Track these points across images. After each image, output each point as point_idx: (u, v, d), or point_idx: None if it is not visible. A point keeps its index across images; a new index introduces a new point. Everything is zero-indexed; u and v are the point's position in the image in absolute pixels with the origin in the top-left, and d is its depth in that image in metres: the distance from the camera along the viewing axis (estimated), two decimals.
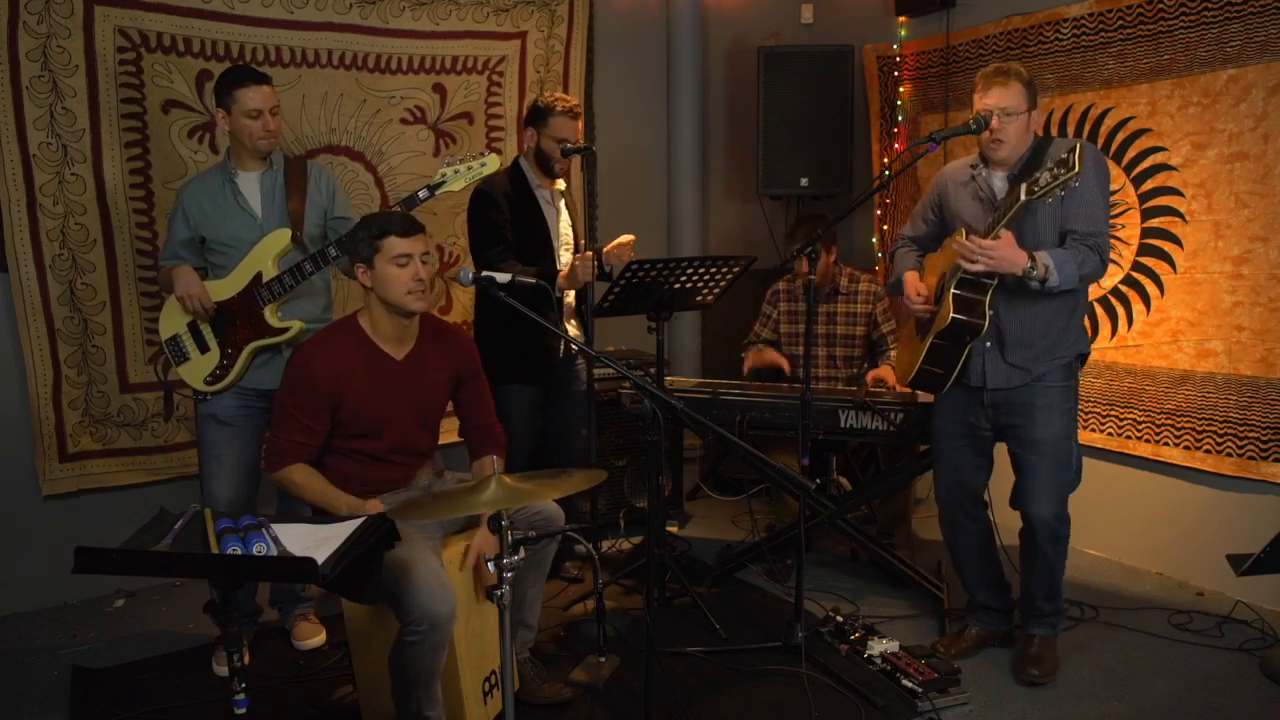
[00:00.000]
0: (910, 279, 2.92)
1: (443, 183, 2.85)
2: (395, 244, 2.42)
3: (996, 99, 2.63)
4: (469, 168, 2.85)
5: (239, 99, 2.80)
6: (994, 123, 2.63)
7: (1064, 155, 2.38)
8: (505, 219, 3.19)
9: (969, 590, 3.07)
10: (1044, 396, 2.73)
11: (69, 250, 3.36)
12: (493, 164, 2.89)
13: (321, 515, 2.50)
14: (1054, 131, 3.81)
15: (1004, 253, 2.52)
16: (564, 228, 3.35)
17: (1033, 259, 2.52)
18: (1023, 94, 2.63)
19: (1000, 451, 2.92)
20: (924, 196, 3.01)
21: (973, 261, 2.55)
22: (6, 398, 3.35)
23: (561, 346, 3.26)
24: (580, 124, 3.22)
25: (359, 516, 2.01)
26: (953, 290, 2.66)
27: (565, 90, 4.32)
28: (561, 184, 3.34)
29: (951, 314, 2.65)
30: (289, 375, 2.48)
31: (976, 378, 2.78)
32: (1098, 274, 2.66)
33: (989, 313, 2.64)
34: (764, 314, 3.98)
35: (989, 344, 2.73)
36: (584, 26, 4.35)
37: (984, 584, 3.03)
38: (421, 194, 2.83)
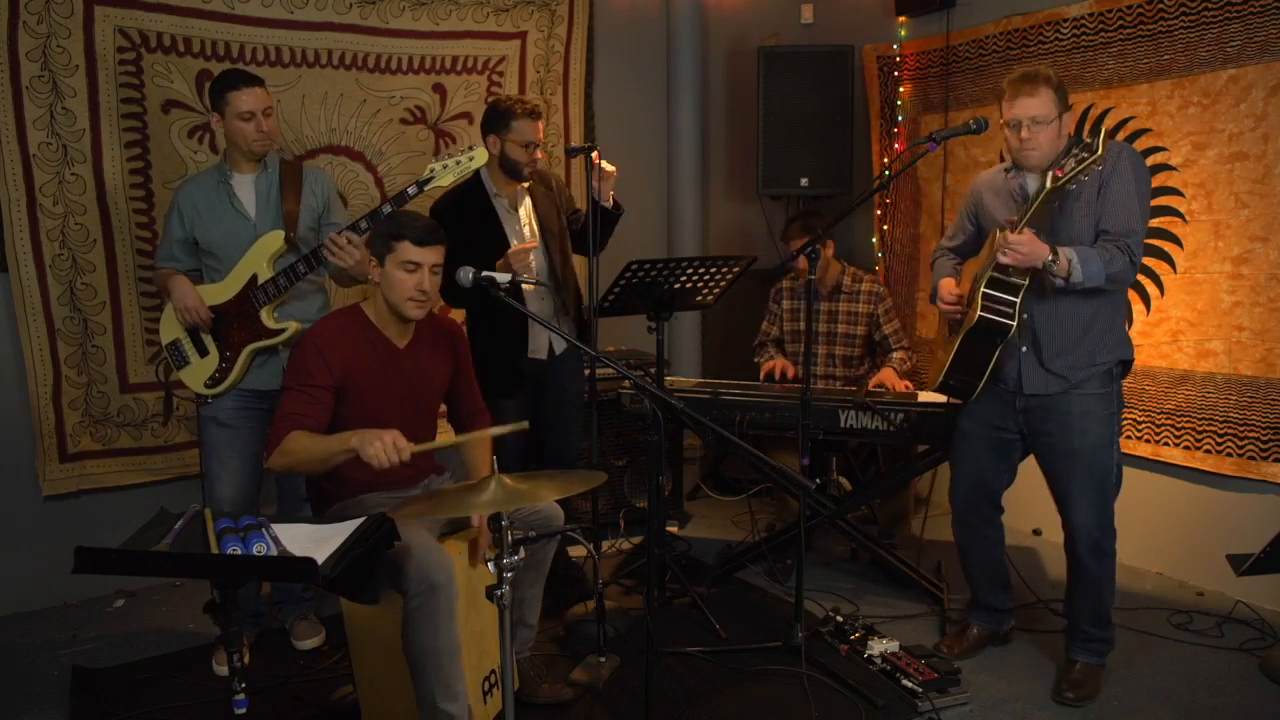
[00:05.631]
0: (946, 284, 2.89)
1: (431, 178, 2.84)
2: (407, 250, 2.42)
3: (1024, 109, 2.58)
4: (457, 162, 2.84)
5: (231, 101, 2.81)
6: (1024, 133, 2.59)
7: (1088, 140, 2.38)
8: (451, 232, 3.14)
9: (973, 589, 3.07)
10: (1080, 404, 2.66)
11: (69, 250, 3.36)
12: (481, 157, 2.86)
13: (321, 515, 2.51)
14: None
15: (1029, 246, 2.49)
16: (527, 232, 3.23)
17: (1055, 252, 2.49)
18: (1053, 100, 2.58)
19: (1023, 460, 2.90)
20: (962, 206, 2.98)
21: (1003, 253, 2.52)
22: (6, 398, 3.35)
23: (546, 347, 3.24)
24: (540, 124, 3.11)
25: (363, 516, 2.00)
26: (983, 290, 2.63)
27: (565, 90, 4.32)
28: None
29: (979, 312, 2.61)
30: (295, 357, 2.46)
31: (1012, 383, 2.73)
32: (1127, 275, 2.59)
33: (1020, 314, 2.60)
34: (770, 311, 3.98)
35: (1025, 349, 2.68)
36: (584, 26, 4.35)
37: (990, 585, 3.02)
38: (410, 190, 2.83)
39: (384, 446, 2.15)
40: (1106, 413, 2.68)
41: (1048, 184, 2.47)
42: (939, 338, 3.13)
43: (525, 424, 2.26)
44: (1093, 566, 2.72)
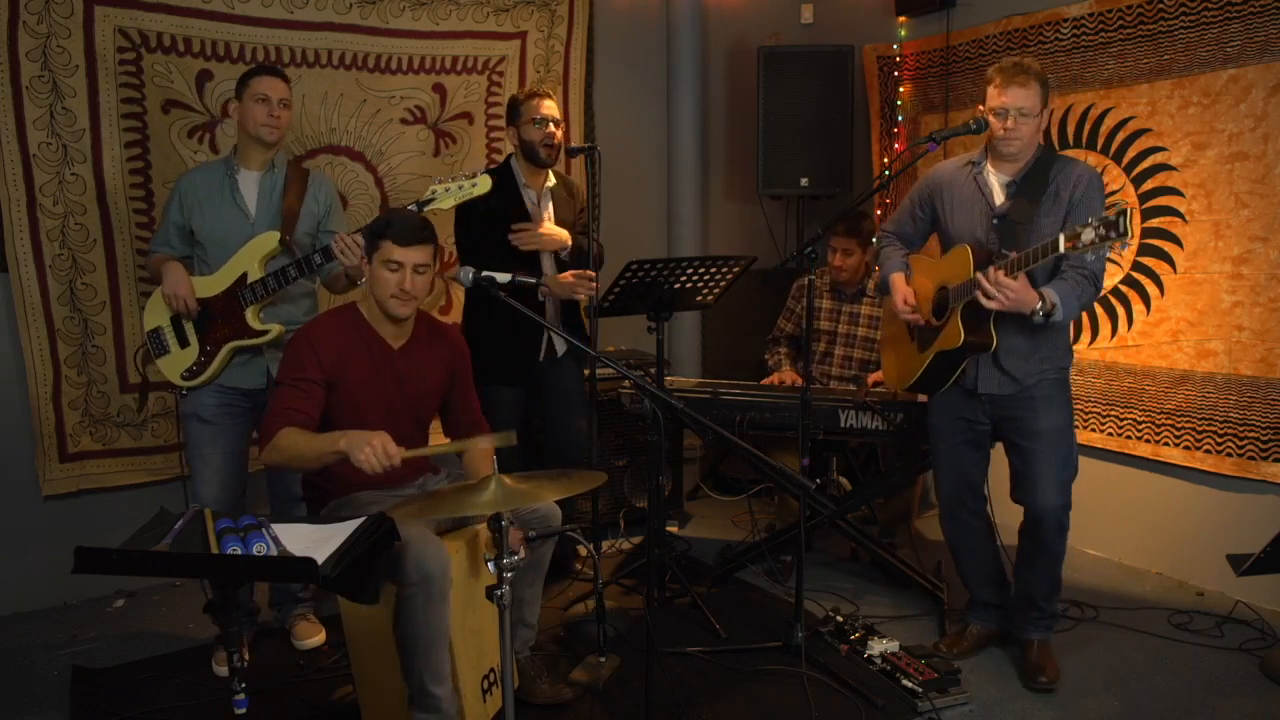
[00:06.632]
0: (898, 282, 2.93)
1: (431, 199, 2.84)
2: (390, 249, 2.43)
3: (1014, 99, 2.63)
4: (460, 187, 2.84)
5: (251, 85, 2.87)
6: (1009, 122, 2.64)
7: (1113, 218, 2.30)
8: (481, 228, 3.17)
9: (970, 588, 3.07)
10: (1041, 390, 2.75)
11: (69, 250, 3.36)
12: (484, 185, 2.85)
13: (317, 513, 2.51)
14: (1054, 132, 3.80)
15: (1020, 295, 2.52)
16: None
17: (1042, 298, 2.54)
18: (1039, 95, 2.65)
19: (996, 449, 2.92)
20: (911, 192, 3.01)
21: (989, 298, 2.54)
22: (6, 398, 3.35)
23: (543, 348, 3.28)
24: (551, 101, 3.22)
25: (360, 515, 2.00)
26: (960, 312, 2.68)
27: (565, 90, 4.33)
28: (552, 179, 3.31)
29: (964, 336, 2.67)
30: (288, 353, 2.47)
31: (970, 381, 2.80)
32: (1092, 302, 2.72)
33: (995, 331, 2.68)
34: (788, 308, 3.95)
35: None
36: (584, 26, 4.35)
37: (985, 581, 3.03)
38: (410, 209, 2.84)
39: (374, 451, 2.15)
40: (1064, 396, 2.80)
41: (1061, 247, 2.40)
42: (890, 334, 3.13)
43: (514, 436, 2.25)
44: (1056, 545, 2.78)
